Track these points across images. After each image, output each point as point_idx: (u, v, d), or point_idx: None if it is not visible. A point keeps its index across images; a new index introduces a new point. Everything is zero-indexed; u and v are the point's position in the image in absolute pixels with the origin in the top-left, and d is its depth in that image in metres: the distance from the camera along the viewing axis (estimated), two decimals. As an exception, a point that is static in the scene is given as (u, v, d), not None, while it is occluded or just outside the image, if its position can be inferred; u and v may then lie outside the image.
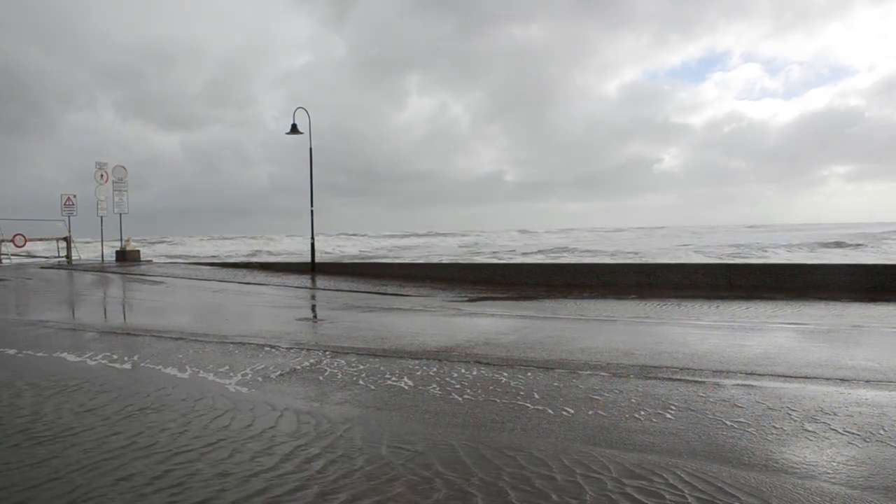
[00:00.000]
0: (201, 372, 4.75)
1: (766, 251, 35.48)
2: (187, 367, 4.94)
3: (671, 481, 2.61)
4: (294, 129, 17.54)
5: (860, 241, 42.04)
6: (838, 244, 39.70)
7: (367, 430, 3.34)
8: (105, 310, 9.67)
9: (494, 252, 40.98)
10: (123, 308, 10.00)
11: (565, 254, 38.10)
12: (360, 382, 4.41)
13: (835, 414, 3.54)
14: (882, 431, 3.23)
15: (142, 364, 5.05)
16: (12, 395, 4.09)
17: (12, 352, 5.62)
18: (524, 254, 37.73)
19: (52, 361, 5.18)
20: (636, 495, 2.48)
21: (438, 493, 2.52)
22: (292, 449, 3.03)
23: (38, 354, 5.48)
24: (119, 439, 3.19)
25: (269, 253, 39.84)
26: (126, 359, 5.25)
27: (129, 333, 6.68)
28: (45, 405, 3.85)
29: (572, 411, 3.66)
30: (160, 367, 4.95)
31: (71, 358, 5.30)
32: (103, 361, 5.16)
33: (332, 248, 48.93)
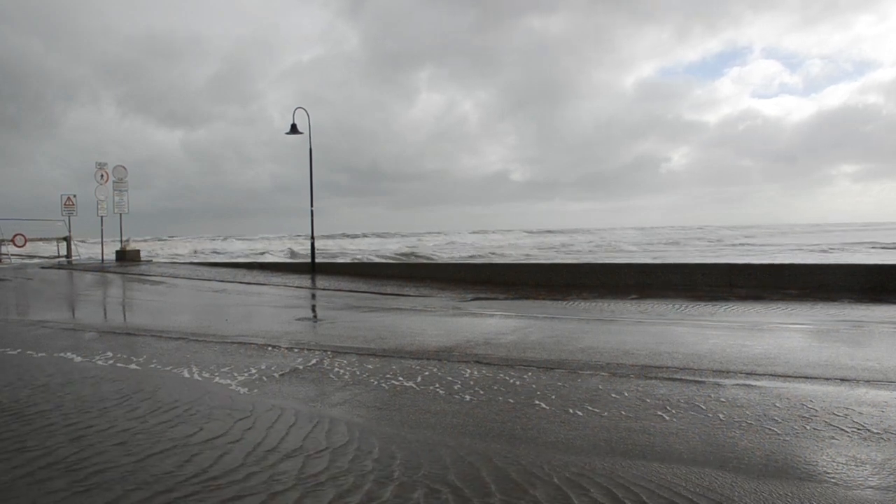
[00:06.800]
0: (203, 372, 4.76)
1: None
2: (189, 366, 4.94)
3: (671, 482, 2.62)
4: (294, 130, 17.42)
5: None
6: None
7: (367, 429, 3.34)
8: (105, 310, 9.68)
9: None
10: (124, 308, 10.01)
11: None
12: (361, 382, 4.42)
13: (836, 414, 3.54)
14: (886, 432, 3.23)
15: (149, 365, 5.06)
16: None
17: (13, 352, 5.62)
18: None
19: (52, 361, 5.18)
20: (632, 496, 2.49)
21: (442, 493, 2.53)
22: (292, 449, 3.04)
23: (38, 355, 5.48)
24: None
25: (270, 253, 39.76)
26: (133, 359, 5.25)
27: (129, 333, 6.69)
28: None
29: (572, 411, 3.67)
30: (165, 367, 4.95)
31: (75, 358, 5.31)
32: (109, 362, 5.17)
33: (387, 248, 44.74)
